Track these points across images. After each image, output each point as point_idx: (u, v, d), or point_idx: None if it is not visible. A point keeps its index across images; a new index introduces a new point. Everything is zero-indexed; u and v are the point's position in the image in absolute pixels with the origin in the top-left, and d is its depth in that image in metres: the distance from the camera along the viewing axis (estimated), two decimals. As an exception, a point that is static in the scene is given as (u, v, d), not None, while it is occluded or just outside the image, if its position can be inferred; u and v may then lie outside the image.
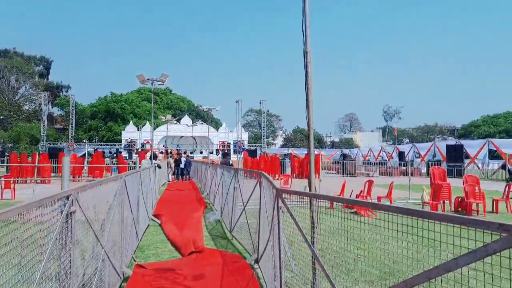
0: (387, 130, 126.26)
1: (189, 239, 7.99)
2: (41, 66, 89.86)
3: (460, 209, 12.45)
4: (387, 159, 53.65)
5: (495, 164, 35.85)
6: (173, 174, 27.97)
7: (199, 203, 14.58)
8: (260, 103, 43.89)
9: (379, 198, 13.17)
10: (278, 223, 3.86)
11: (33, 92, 76.80)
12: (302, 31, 4.47)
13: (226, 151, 15.60)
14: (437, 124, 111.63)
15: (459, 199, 12.44)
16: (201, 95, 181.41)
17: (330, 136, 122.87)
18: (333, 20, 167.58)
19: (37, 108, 73.82)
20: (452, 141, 50.71)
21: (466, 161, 37.46)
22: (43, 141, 49.17)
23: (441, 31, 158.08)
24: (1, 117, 70.90)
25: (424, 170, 39.18)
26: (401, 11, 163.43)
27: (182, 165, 27.32)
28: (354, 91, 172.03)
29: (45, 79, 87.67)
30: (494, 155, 41.04)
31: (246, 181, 8.27)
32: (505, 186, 12.97)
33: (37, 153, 28.16)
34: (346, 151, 70.95)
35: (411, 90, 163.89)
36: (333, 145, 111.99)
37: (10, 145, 56.99)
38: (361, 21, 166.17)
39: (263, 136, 49.84)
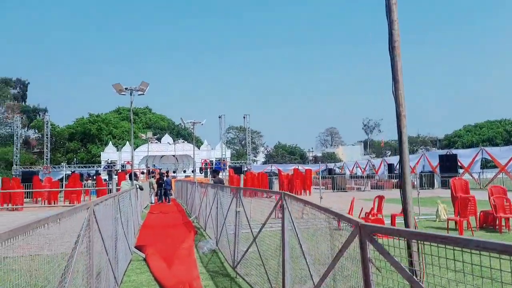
0: (368, 143, 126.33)
1: (183, 280, 6.26)
2: (18, 88, 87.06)
3: (485, 225, 11.01)
4: (374, 172, 52.73)
5: (489, 173, 34.97)
6: (156, 195, 26.02)
7: (187, 228, 12.78)
8: (244, 117, 42.49)
9: (393, 216, 11.63)
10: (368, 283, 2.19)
11: (8, 116, 73.99)
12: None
13: (214, 168, 13.72)
14: (419, 135, 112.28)
15: (484, 214, 11.00)
16: (181, 114, 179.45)
17: (312, 151, 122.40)
18: (307, 34, 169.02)
19: (13, 132, 71.06)
20: (443, 151, 49.81)
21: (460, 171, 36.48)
22: (16, 165, 46.33)
23: (417, 43, 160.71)
24: (-24, 142, 67.73)
25: (417, 182, 38.00)
26: (378, 24, 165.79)
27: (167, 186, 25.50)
28: (334, 105, 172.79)
29: (22, 102, 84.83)
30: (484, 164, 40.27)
31: (255, 203, 6.65)
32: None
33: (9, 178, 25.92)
34: (331, 165, 69.97)
35: (390, 103, 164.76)
36: (316, 160, 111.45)
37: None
38: (336, 35, 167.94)
39: (248, 152, 48.18)
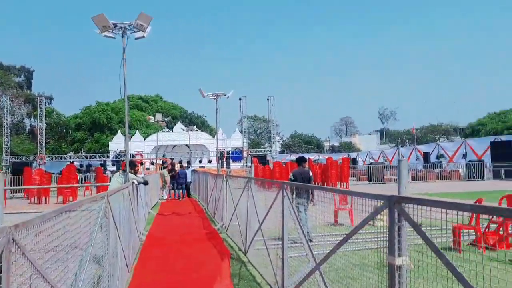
0: (384, 132, 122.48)
1: None
2: (22, 76, 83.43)
3: None
4: (388, 162, 48.20)
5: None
6: (171, 189, 21.58)
7: (215, 246, 8.36)
8: (267, 100, 37.48)
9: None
10: None
11: (13, 105, 70.60)
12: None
13: (301, 156, 9.05)
14: (438, 123, 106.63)
15: None
16: (194, 103, 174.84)
17: (329, 141, 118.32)
18: (328, 25, 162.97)
19: (18, 121, 67.41)
20: (485, 138, 44.37)
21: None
22: (5, 155, 40.85)
23: (437, 27, 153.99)
24: (-21, 132, 64.17)
25: (462, 172, 33.32)
26: (396, 11, 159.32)
27: (189, 178, 21.12)
28: (348, 94, 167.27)
29: (28, 90, 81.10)
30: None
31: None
32: None
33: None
34: (353, 154, 65.64)
35: (406, 91, 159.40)
36: (333, 149, 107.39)
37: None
38: (354, 23, 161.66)
39: (273, 138, 43.37)
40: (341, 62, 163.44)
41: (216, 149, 17.34)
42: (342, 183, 26.49)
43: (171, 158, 33.08)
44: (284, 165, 28.11)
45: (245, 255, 7.41)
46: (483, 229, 8.42)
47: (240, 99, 32.24)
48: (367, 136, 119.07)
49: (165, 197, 21.26)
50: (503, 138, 35.48)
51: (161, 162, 31.75)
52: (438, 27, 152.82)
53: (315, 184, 21.58)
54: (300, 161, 9.32)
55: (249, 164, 34.00)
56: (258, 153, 39.79)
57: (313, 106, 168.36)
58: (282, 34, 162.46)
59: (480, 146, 35.35)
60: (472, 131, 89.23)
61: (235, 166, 41.16)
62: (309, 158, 27.75)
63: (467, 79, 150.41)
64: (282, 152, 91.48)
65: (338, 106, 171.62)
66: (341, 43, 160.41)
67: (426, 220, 2.70)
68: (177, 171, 21.29)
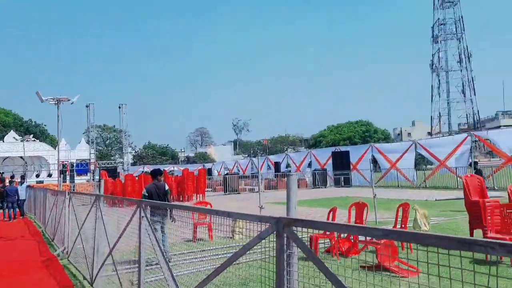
0: (237, 143, 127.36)
1: None
2: None
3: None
4: (258, 172, 50.17)
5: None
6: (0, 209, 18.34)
7: (53, 277, 6.92)
8: (119, 107, 34.90)
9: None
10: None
11: None
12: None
13: (156, 169, 7.91)
14: (286, 134, 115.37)
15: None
16: (33, 110, 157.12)
17: (184, 151, 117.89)
18: (183, 36, 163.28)
19: None
20: (329, 148, 48.92)
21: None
22: None
23: (286, 47, 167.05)
24: None
25: (308, 180, 35.94)
26: (249, 29, 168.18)
27: (22, 196, 18.10)
28: (204, 104, 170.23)
29: None
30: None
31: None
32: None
33: None
34: (208, 165, 66.39)
35: (258, 103, 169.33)
36: (188, 160, 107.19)
37: None
38: (215, 35, 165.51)
39: (124, 149, 40.83)
40: (194, 72, 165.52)
41: (58, 161, 15.17)
42: (198, 195, 26.06)
43: (0, 173, 28.35)
44: (137, 178, 26.46)
45: (92, 285, 6.22)
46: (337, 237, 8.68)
47: (87, 106, 29.46)
48: (222, 147, 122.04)
49: (-6, 218, 17.91)
50: (342, 148, 39.51)
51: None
52: (277, 43, 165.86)
53: (172, 197, 20.67)
54: (155, 174, 8.52)
55: (97, 177, 31.33)
56: (107, 165, 36.82)
57: (168, 116, 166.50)
58: (133, 40, 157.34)
59: (323, 156, 38.64)
60: (315, 142, 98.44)
61: (80, 180, 37.64)
62: (164, 170, 26.64)
63: (310, 93, 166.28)
64: (134, 163, 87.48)
65: (193, 117, 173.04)
66: (194, 51, 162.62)
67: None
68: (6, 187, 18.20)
